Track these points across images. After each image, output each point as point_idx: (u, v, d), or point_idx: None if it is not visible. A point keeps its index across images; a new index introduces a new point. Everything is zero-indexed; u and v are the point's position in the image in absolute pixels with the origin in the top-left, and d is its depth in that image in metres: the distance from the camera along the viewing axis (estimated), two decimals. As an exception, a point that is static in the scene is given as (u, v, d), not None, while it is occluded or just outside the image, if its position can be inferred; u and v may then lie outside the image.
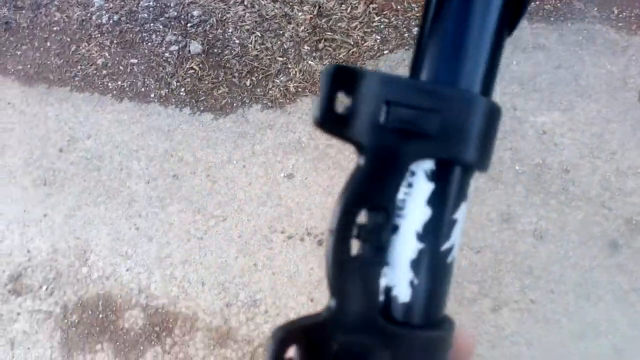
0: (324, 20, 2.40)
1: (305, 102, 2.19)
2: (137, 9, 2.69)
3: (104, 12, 2.73)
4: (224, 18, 2.54)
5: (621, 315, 1.45)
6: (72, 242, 2.10)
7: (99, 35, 2.66)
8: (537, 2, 2.12)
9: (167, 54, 2.49)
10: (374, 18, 2.34)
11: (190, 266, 1.98)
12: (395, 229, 0.19)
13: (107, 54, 2.58)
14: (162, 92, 2.40)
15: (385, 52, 2.21)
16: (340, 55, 2.27)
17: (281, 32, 2.43)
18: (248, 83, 2.31)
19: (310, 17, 2.42)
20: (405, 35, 2.23)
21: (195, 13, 2.59)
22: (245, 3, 2.57)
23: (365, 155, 0.18)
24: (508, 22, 0.20)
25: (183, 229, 2.03)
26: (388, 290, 0.19)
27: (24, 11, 2.90)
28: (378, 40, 2.26)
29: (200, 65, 2.42)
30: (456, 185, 0.19)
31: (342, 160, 2.01)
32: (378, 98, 0.18)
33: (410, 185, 0.19)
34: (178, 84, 2.40)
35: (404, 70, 2.13)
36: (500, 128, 0.21)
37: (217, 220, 2.03)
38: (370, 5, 2.38)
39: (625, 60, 1.86)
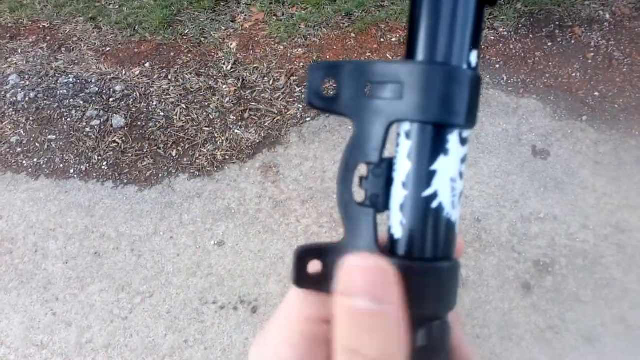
0: (248, 92, 2.51)
1: (233, 170, 2.22)
2: (55, 86, 2.66)
3: (20, 89, 2.66)
4: (148, 92, 2.58)
5: (540, 353, 1.54)
6: None
7: (14, 112, 2.57)
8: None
9: (87, 129, 2.45)
10: (295, 89, 2.48)
11: (114, 350, 1.84)
12: (390, 180, 0.23)
13: (22, 132, 2.49)
14: (82, 167, 2.33)
15: (308, 119, 2.34)
16: (266, 123, 2.36)
17: (206, 103, 2.49)
18: (174, 153, 2.32)
19: (235, 89, 2.52)
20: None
21: (117, 88, 2.61)
22: (170, 77, 2.63)
23: (354, 122, 0.23)
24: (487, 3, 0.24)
25: (105, 309, 1.91)
26: (389, 229, 0.23)
27: None
28: (300, 109, 2.39)
29: (124, 138, 2.40)
30: (429, 141, 0.22)
31: (272, 224, 2.03)
32: (357, 79, 0.23)
33: (397, 144, 0.23)
34: (100, 158, 2.35)
35: (325, 136, 2.26)
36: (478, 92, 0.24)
37: (143, 296, 1.93)
38: (292, 78, 2.53)
39: (517, 119, 2.11)
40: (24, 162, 2.38)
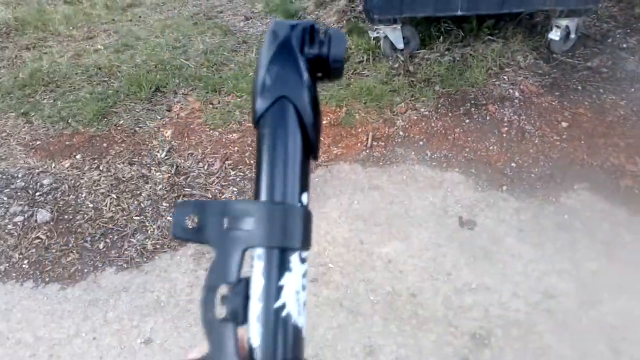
0: (182, 178, 2.49)
1: (164, 259, 2.13)
2: (-23, 182, 2.54)
3: None
4: (77, 184, 2.51)
5: None
6: None
7: None
8: (367, 151, 2.49)
9: (10, 226, 2.32)
10: (230, 172, 2.50)
11: None
12: (247, 297, 0.26)
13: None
14: (0, 267, 2.16)
15: (242, 202, 2.33)
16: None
17: (138, 192, 2.45)
18: (101, 246, 2.21)
19: (169, 176, 2.50)
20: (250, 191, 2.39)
21: (45, 182, 2.52)
22: (101, 168, 2.59)
23: (215, 250, 0.27)
24: (311, 155, 0.30)
25: None
26: (248, 339, 0.26)
27: None
28: (235, 192, 2.39)
29: (48, 233, 2.28)
30: (276, 261, 0.26)
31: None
32: (217, 215, 0.27)
33: (252, 265, 0.27)
34: (21, 256, 2.20)
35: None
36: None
37: (59, 410, 1.72)
38: (226, 162, 2.56)
39: (442, 192, 2.20)
40: None
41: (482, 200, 2.15)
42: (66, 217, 2.35)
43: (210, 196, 2.39)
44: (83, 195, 2.44)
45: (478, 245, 1.97)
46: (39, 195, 2.46)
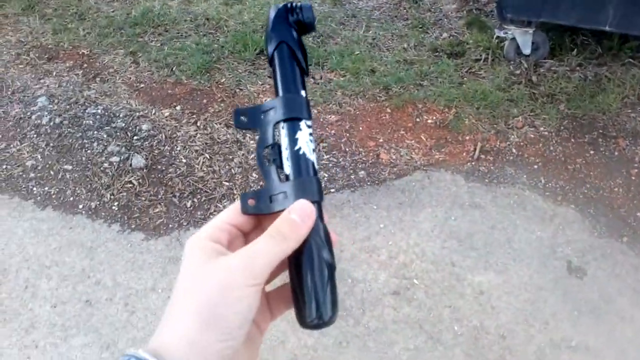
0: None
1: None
2: (82, 115, 2.62)
3: (46, 113, 2.63)
4: (174, 135, 2.52)
5: None
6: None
7: (35, 135, 2.52)
8: (472, 163, 2.30)
9: (105, 165, 2.38)
10: (323, 156, 2.41)
11: (85, 416, 1.66)
12: (280, 151, 0.41)
13: (39, 156, 2.42)
14: (92, 204, 2.23)
15: (332, 190, 2.24)
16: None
17: (231, 157, 2.42)
18: (189, 204, 2.22)
19: (261, 147, 2.45)
20: (352, 177, 2.29)
21: (144, 127, 2.56)
22: (198, 124, 2.58)
23: (259, 130, 0.42)
24: (303, 73, 0.45)
25: (85, 368, 1.75)
26: (285, 173, 0.41)
27: (-44, 99, 2.73)
28: (325, 178, 2.30)
29: (140, 180, 2.31)
30: (292, 126, 0.41)
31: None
32: (256, 112, 0.43)
33: (280, 134, 0.42)
34: (112, 197, 2.25)
35: (348, 211, 2.15)
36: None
37: None
38: (321, 144, 2.46)
39: (553, 228, 1.99)
40: (35, 189, 2.30)
41: (597, 248, 1.92)
42: (159, 167, 2.38)
43: (300, 177, 2.31)
44: (178, 149, 2.46)
45: (585, 298, 1.77)
46: (136, 140, 2.50)
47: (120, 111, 2.65)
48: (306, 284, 0.37)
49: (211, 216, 2.16)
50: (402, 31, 3.33)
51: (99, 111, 2.64)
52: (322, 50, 3.14)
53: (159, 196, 2.26)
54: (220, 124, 2.59)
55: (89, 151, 2.44)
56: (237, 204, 0.41)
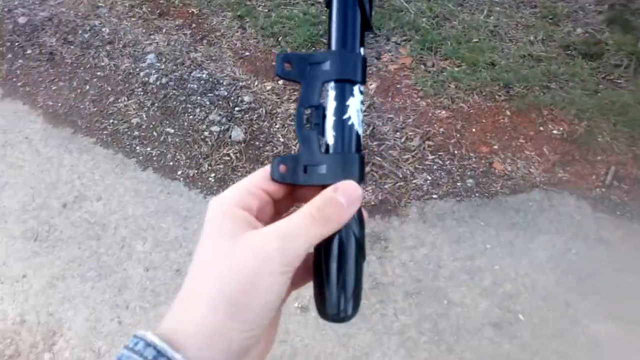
0: (375, 143, 2.29)
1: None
2: (188, 78, 2.61)
3: (154, 71, 2.65)
4: (274, 112, 2.44)
5: None
6: (43, 317, 1.83)
7: (142, 93, 2.55)
8: (603, 190, 2.01)
9: (206, 133, 2.36)
10: (428, 156, 2.23)
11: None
12: (325, 115, 0.37)
13: (144, 115, 2.46)
14: (190, 172, 2.23)
15: (434, 196, 2.07)
16: (386, 185, 2.13)
17: (329, 142, 2.31)
18: (282, 188, 2.15)
19: (362, 136, 2.31)
20: (458, 184, 2.10)
21: (246, 98, 2.50)
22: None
23: (302, 84, 0.37)
24: (367, 27, 0.39)
25: (171, 339, 1.77)
26: (326, 142, 0.36)
27: (72, 47, 2.82)
28: (428, 181, 2.13)
29: (238, 154, 2.28)
30: (344, 89, 0.36)
31: (366, 307, 1.80)
32: (303, 62, 0.37)
33: (327, 95, 0.37)
34: (209, 167, 2.24)
35: (450, 223, 1.98)
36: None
37: (211, 338, 1.77)
38: (427, 142, 2.28)
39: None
40: (137, 148, 2.34)
41: None
42: (257, 143, 2.32)
43: (401, 175, 2.16)
44: (277, 126, 2.38)
45: None
46: (237, 111, 2.45)
47: (224, 78, 2.61)
48: (333, 274, 0.35)
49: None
50: (528, 20, 2.97)
51: (204, 76, 2.62)
52: (436, 33, 2.88)
53: (254, 174, 2.21)
54: (321, 104, 2.47)
55: (191, 117, 2.44)
56: (268, 167, 0.37)
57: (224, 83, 2.59)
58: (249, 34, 2.88)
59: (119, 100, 2.53)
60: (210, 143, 2.32)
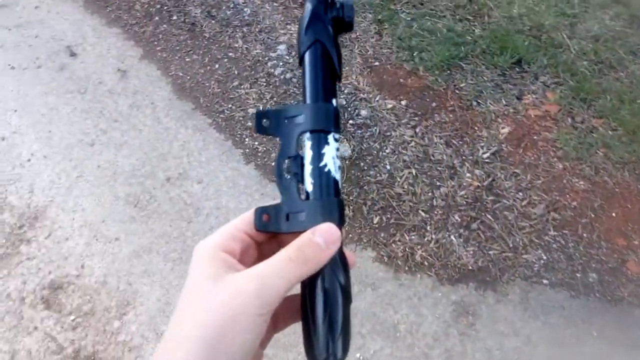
0: (490, 198, 2.04)
1: (425, 283, 1.83)
2: (311, 78, 2.54)
3: (281, 64, 2.62)
4: (389, 134, 2.29)
5: None
6: (123, 284, 1.93)
7: (264, 84, 2.54)
8: None
9: (314, 140, 2.28)
10: (549, 230, 1.93)
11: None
12: (303, 165, 0.38)
13: (261, 107, 2.44)
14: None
15: (545, 281, 1.79)
16: (490, 251, 1.89)
17: (438, 183, 2.11)
18: (375, 220, 2.02)
19: (477, 186, 2.07)
20: (578, 275, 1.79)
21: (363, 112, 2.37)
22: (417, 130, 2.29)
23: (280, 138, 0.39)
24: (336, 77, 0.42)
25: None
26: (305, 190, 0.38)
27: (213, 22, 2.89)
28: (542, 261, 1.85)
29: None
30: (319, 139, 0.38)
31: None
32: (279, 116, 0.39)
33: (304, 145, 0.39)
34: (308, 178, 2.17)
35: (557, 320, 1.69)
36: None
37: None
38: (552, 213, 1.97)
39: None
40: (247, 140, 2.34)
41: None
42: (362, 164, 2.20)
43: (512, 245, 1.90)
44: (387, 151, 2.23)
45: None
46: (350, 125, 2.34)
47: (346, 86, 2.50)
48: (319, 316, 0.36)
49: (394, 244, 1.93)
50: None
51: (327, 79, 2.53)
52: (595, 82, 2.48)
53: (351, 197, 2.09)
54: (441, 138, 2.26)
55: (303, 119, 2.37)
56: (250, 212, 0.39)
57: (345, 91, 2.47)
58: (384, 42, 2.72)
59: (242, 87, 2.55)
60: (315, 152, 2.24)
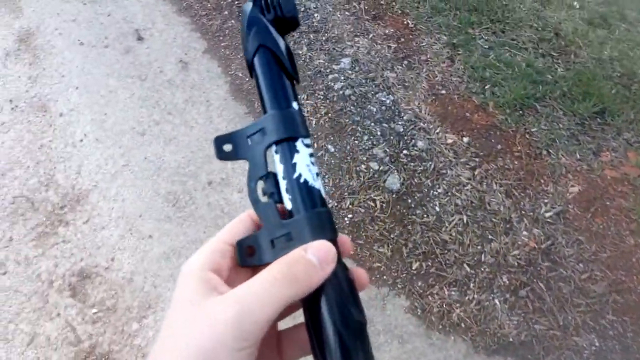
0: (545, 264, 1.85)
1: (458, 347, 1.68)
2: (371, 98, 2.41)
3: (343, 78, 2.51)
4: (444, 172, 2.13)
5: None
6: (148, 286, 1.91)
7: (322, 98, 2.44)
8: None
9: (363, 166, 2.17)
10: (607, 314, 1.72)
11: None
12: (277, 182, 0.35)
13: (313, 122, 2.35)
14: (331, 202, 2.08)
15: (593, 372, 1.59)
16: (536, 325, 1.71)
17: (490, 235, 1.94)
18: (414, 266, 1.88)
19: (533, 247, 1.89)
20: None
21: (419, 144, 2.22)
22: (475, 173, 2.12)
23: (248, 159, 0.36)
24: (292, 78, 0.39)
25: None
26: (286, 208, 0.35)
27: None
28: (594, 348, 1.65)
29: (384, 204, 2.05)
30: (286, 148, 0.35)
31: None
32: (241, 137, 0.37)
33: (274, 161, 0.35)
34: (350, 206, 2.06)
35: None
36: None
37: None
38: (614, 294, 1.76)
39: None
40: (293, 154, 2.25)
41: None
42: (409, 200, 2.06)
43: (561, 323, 1.71)
44: (439, 190, 2.08)
45: None
46: (404, 155, 2.20)
47: (406, 112, 2.36)
48: (330, 348, 0.30)
49: (430, 296, 1.79)
50: None
51: (388, 102, 2.39)
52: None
53: (392, 235, 1.96)
54: (501, 185, 2.08)
55: (356, 141, 2.26)
56: (247, 215, 0.37)
57: (404, 117, 2.33)
58: (455, 69, 2.54)
59: (299, 97, 2.46)
60: (362, 179, 2.13)
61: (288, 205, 0.34)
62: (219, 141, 0.37)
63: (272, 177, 0.35)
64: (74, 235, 2.05)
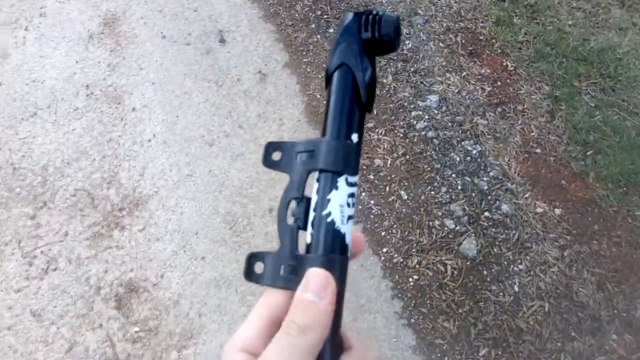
0: (636, 381, 1.60)
1: None
2: (455, 145, 2.21)
3: (427, 117, 2.31)
4: (528, 245, 1.91)
5: None
6: (193, 313, 1.82)
7: (401, 136, 2.26)
8: None
9: (437, 222, 1.98)
10: None
11: None
12: (308, 209, 0.34)
13: (389, 161, 2.18)
14: (396, 256, 1.91)
15: None
16: None
17: (573, 333, 1.70)
18: (481, 352, 1.68)
19: (621, 356, 1.64)
20: None
21: (504, 208, 2.00)
22: (565, 253, 1.88)
23: (289, 175, 0.35)
24: (365, 108, 0.37)
25: None
26: (306, 239, 0.34)
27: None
28: None
29: (456, 272, 1.85)
30: (327, 181, 0.33)
31: None
32: (290, 151, 0.36)
33: (312, 187, 0.34)
34: (417, 266, 1.88)
35: None
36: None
37: None
38: None
39: None
40: (362, 195, 2.10)
41: None
42: (484, 272, 1.85)
43: None
44: (520, 266, 1.86)
45: None
46: (485, 218, 1.99)
47: (493, 167, 2.14)
48: None
49: (495, 391, 1.59)
50: None
51: (474, 152, 2.18)
52: None
53: (460, 310, 1.77)
54: (592, 274, 1.83)
55: (432, 192, 2.07)
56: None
57: (490, 173, 2.12)
58: (555, 126, 2.29)
59: (376, 130, 2.30)
60: (434, 237, 1.94)
61: (308, 238, 0.34)
62: (270, 147, 0.37)
63: (304, 202, 0.35)
64: (128, 242, 1.99)
